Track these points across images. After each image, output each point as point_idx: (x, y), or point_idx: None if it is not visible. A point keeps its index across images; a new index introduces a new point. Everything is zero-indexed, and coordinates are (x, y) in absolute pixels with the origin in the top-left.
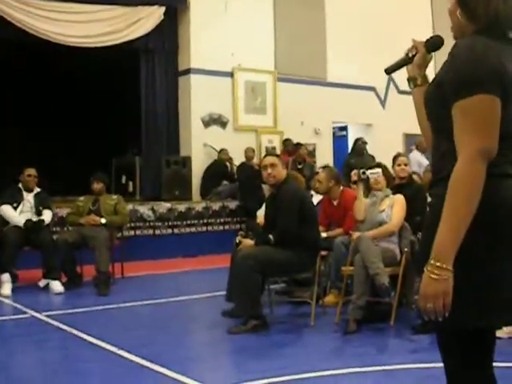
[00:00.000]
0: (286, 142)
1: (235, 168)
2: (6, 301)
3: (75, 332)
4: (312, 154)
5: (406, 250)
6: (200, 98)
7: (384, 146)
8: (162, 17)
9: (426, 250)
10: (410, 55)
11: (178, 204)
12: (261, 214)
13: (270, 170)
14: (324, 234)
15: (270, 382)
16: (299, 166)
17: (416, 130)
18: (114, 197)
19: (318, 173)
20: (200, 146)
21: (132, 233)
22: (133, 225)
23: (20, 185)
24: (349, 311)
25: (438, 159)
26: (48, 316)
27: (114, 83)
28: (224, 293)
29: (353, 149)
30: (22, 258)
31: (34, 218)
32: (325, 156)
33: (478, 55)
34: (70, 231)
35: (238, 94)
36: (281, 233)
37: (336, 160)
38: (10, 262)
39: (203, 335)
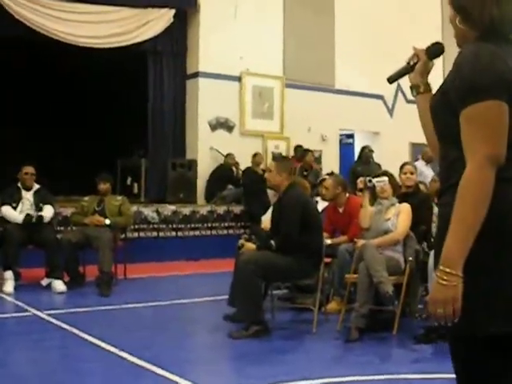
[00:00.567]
0: (298, 149)
1: (241, 172)
2: (8, 298)
3: (76, 331)
4: (318, 160)
5: (410, 259)
6: (207, 101)
7: (390, 155)
8: (172, 19)
9: (438, 259)
10: (412, 63)
11: (183, 207)
12: (265, 218)
13: (266, 175)
14: (328, 241)
15: None
16: (305, 173)
17: (423, 139)
18: (119, 198)
19: (324, 179)
20: (206, 150)
21: (136, 234)
22: (137, 226)
23: (19, 183)
24: (351, 319)
25: (446, 167)
26: (49, 315)
27: (122, 85)
28: (226, 297)
29: (359, 156)
30: (26, 257)
31: (34, 214)
32: (331, 163)
33: (484, 62)
34: (74, 231)
35: (246, 98)
36: (282, 239)
37: (342, 167)
38: (13, 259)
39: (204, 338)
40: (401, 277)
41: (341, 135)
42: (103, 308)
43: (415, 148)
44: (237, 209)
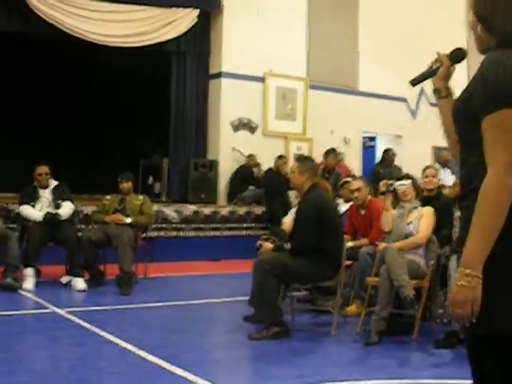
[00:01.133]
0: (332, 152)
1: (262, 173)
2: (29, 295)
3: (95, 329)
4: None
5: (432, 263)
6: (230, 102)
7: (413, 158)
8: (196, 19)
9: None
10: (435, 67)
11: (204, 207)
12: (286, 220)
13: (289, 176)
14: (349, 244)
15: None
16: (327, 175)
17: (446, 143)
18: (141, 197)
19: (346, 182)
20: (228, 150)
21: (156, 234)
22: (158, 226)
23: (35, 183)
24: (372, 322)
25: (468, 172)
26: (69, 312)
27: (145, 84)
28: (246, 298)
29: (382, 159)
30: (46, 254)
31: (52, 211)
32: (353, 165)
33: (508, 70)
34: (95, 229)
35: (269, 99)
36: (297, 241)
37: (364, 170)
38: (34, 257)
39: (223, 339)
40: (422, 281)
41: (363, 138)
42: (123, 307)
43: (438, 151)
44: (258, 210)
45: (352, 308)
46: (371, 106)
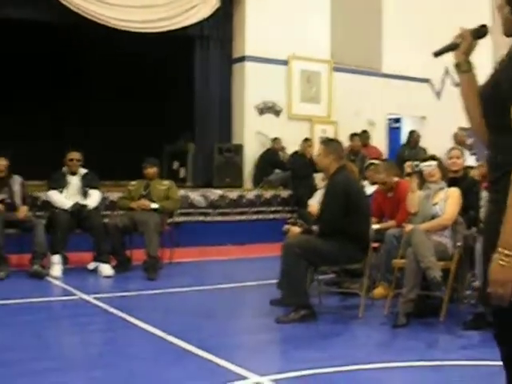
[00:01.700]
0: (363, 135)
1: (287, 157)
2: (56, 282)
3: (123, 315)
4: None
5: (458, 244)
6: (254, 85)
7: (437, 139)
8: (219, 4)
9: (492, 242)
10: (458, 42)
11: (230, 191)
12: (312, 202)
13: (315, 158)
14: (376, 226)
15: (316, 373)
16: (352, 157)
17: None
18: (166, 182)
19: (371, 164)
20: (253, 134)
21: (182, 219)
22: (183, 211)
23: (65, 169)
24: (399, 304)
25: (497, 155)
26: (96, 298)
27: (169, 70)
28: (273, 281)
29: (407, 141)
30: (73, 241)
31: (81, 201)
32: (378, 147)
33: None
34: (121, 215)
35: (293, 82)
36: (324, 224)
37: (389, 152)
38: (61, 244)
39: (251, 323)
40: (449, 262)
41: (388, 119)
42: (150, 292)
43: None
44: (284, 193)
45: (379, 290)
46: (395, 88)
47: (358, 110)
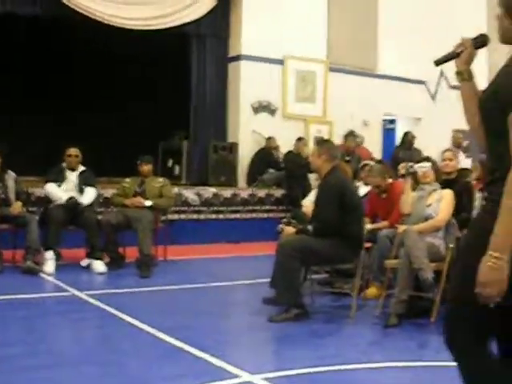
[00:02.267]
0: (351, 134)
1: (281, 156)
2: (49, 278)
3: (115, 312)
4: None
5: (451, 246)
6: (250, 84)
7: (432, 141)
8: (216, 2)
9: (480, 244)
10: (458, 51)
11: (224, 190)
12: (306, 202)
13: (309, 158)
14: (369, 226)
15: (308, 372)
16: (347, 158)
17: (465, 125)
18: (161, 180)
19: (365, 164)
20: (248, 133)
21: (176, 216)
22: (177, 209)
23: (64, 164)
24: (391, 305)
25: (494, 160)
26: (89, 295)
27: (165, 67)
28: (266, 280)
29: (402, 142)
30: (66, 237)
31: (77, 197)
32: (373, 148)
33: None
34: (115, 212)
35: (289, 82)
36: (319, 224)
37: (384, 152)
38: (54, 240)
39: (243, 321)
40: (441, 264)
41: (383, 120)
42: (143, 289)
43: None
44: (277, 192)
45: (371, 290)
46: (391, 89)
47: (353, 111)
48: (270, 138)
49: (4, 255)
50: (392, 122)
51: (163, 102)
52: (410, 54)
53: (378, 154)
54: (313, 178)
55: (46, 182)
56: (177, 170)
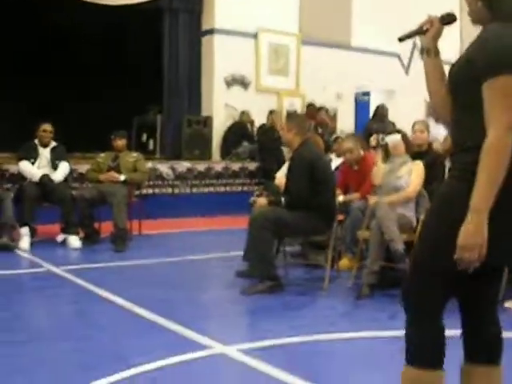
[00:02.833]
0: (309, 107)
1: (255, 129)
2: (24, 254)
3: (91, 287)
4: (333, 118)
5: (422, 217)
6: (223, 58)
7: (406, 113)
8: None
9: (448, 211)
10: (425, 28)
11: (198, 164)
12: (278, 175)
13: (280, 132)
14: (341, 198)
15: (280, 343)
16: (320, 130)
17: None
18: (134, 154)
19: (338, 137)
20: (221, 107)
21: (151, 191)
22: (152, 183)
23: (36, 140)
24: (363, 276)
25: (462, 131)
26: (65, 270)
27: (138, 42)
28: (241, 253)
29: (374, 114)
30: (41, 213)
31: (51, 173)
32: (346, 121)
33: (509, 41)
34: (89, 187)
35: (261, 55)
36: (290, 196)
37: (357, 125)
38: (29, 216)
39: (218, 294)
40: (412, 235)
41: (356, 93)
42: (118, 264)
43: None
44: (251, 165)
45: (344, 262)
46: (364, 62)
47: (326, 84)
48: (243, 112)
49: None
50: (366, 94)
51: (137, 77)
52: (383, 27)
53: (351, 126)
54: (286, 150)
55: (19, 159)
56: (151, 144)
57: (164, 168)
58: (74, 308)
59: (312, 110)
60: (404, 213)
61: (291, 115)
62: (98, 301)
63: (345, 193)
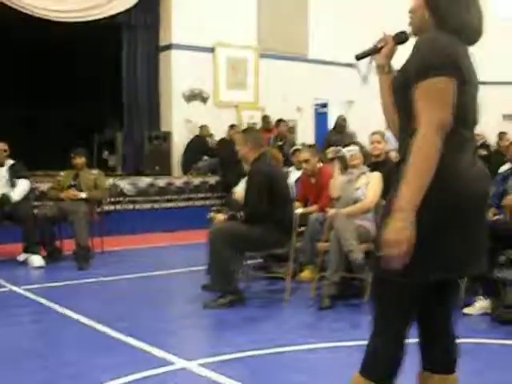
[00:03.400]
0: (265, 119)
1: (215, 143)
2: None
3: (53, 305)
4: (293, 130)
5: None
6: (181, 73)
7: (365, 123)
8: None
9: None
10: (379, 46)
11: (159, 179)
12: (237, 189)
13: (237, 148)
14: (299, 210)
15: (245, 356)
16: (280, 143)
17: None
18: (95, 172)
19: (297, 150)
20: (181, 122)
21: (112, 207)
22: (113, 199)
23: None
24: (323, 287)
25: (405, 139)
26: (27, 290)
27: (97, 58)
28: (203, 267)
29: (334, 126)
30: (2, 233)
31: (9, 193)
32: (306, 133)
33: (439, 45)
34: (50, 206)
35: (219, 69)
36: (248, 210)
37: (317, 137)
38: None
39: (181, 309)
40: (371, 245)
41: (315, 105)
42: (81, 281)
43: None
44: (212, 179)
45: (305, 273)
46: (322, 73)
47: (285, 95)
48: (203, 126)
49: None
50: (324, 105)
51: (97, 94)
52: (340, 38)
53: (311, 138)
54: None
55: None
56: (112, 160)
57: (125, 184)
58: (37, 327)
59: (267, 122)
60: (362, 223)
61: (246, 130)
62: (61, 319)
63: (305, 205)
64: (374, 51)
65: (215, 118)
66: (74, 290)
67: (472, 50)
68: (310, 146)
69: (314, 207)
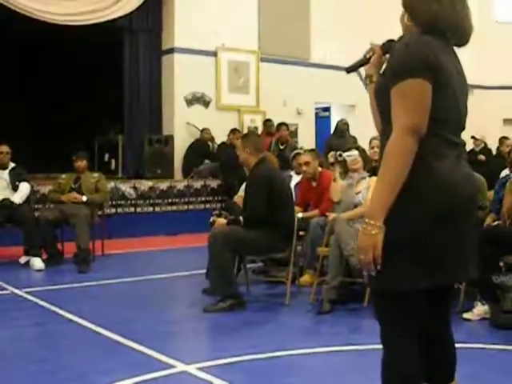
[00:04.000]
0: (267, 123)
1: (216, 147)
2: None
3: (54, 309)
4: (294, 134)
5: None
6: (183, 77)
7: (367, 127)
8: None
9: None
10: (368, 56)
11: (160, 182)
12: (238, 194)
13: (238, 153)
14: (300, 215)
15: (244, 360)
16: (281, 147)
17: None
18: (96, 175)
19: (298, 154)
20: (182, 125)
21: (113, 210)
22: (114, 202)
23: None
24: (323, 291)
25: (385, 141)
26: (28, 292)
27: (98, 62)
28: (204, 271)
29: (335, 130)
30: (4, 235)
31: (11, 196)
32: (307, 137)
33: (411, 48)
34: (51, 208)
35: (221, 73)
36: (249, 215)
37: (318, 141)
38: None
39: (181, 312)
40: None
41: (317, 108)
42: (81, 285)
43: None
44: (213, 183)
45: (305, 278)
46: (323, 77)
47: (286, 100)
48: (204, 130)
49: None
50: (326, 109)
51: (98, 97)
52: (341, 42)
53: (312, 142)
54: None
55: None
56: (113, 164)
57: (126, 187)
58: (39, 330)
59: (270, 126)
60: None
61: (246, 134)
62: (61, 322)
63: (305, 209)
64: (362, 62)
65: (217, 122)
66: (75, 293)
67: (473, 55)
68: (310, 150)
69: (314, 211)
